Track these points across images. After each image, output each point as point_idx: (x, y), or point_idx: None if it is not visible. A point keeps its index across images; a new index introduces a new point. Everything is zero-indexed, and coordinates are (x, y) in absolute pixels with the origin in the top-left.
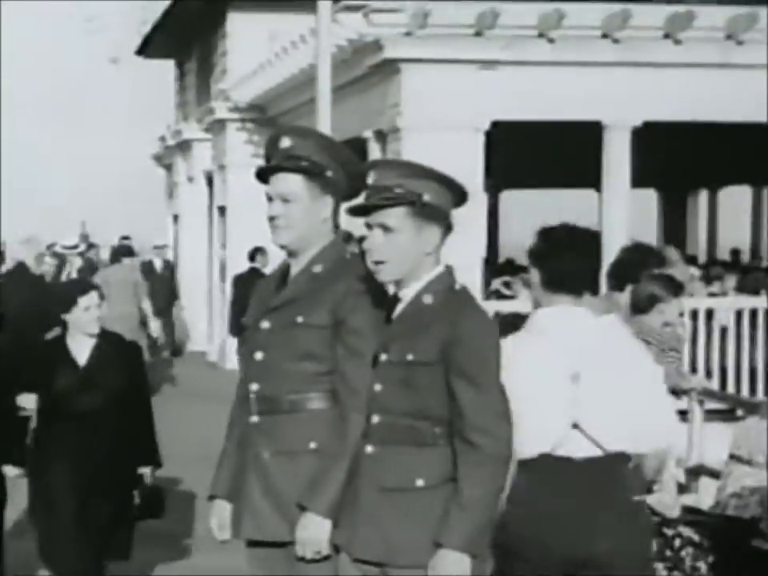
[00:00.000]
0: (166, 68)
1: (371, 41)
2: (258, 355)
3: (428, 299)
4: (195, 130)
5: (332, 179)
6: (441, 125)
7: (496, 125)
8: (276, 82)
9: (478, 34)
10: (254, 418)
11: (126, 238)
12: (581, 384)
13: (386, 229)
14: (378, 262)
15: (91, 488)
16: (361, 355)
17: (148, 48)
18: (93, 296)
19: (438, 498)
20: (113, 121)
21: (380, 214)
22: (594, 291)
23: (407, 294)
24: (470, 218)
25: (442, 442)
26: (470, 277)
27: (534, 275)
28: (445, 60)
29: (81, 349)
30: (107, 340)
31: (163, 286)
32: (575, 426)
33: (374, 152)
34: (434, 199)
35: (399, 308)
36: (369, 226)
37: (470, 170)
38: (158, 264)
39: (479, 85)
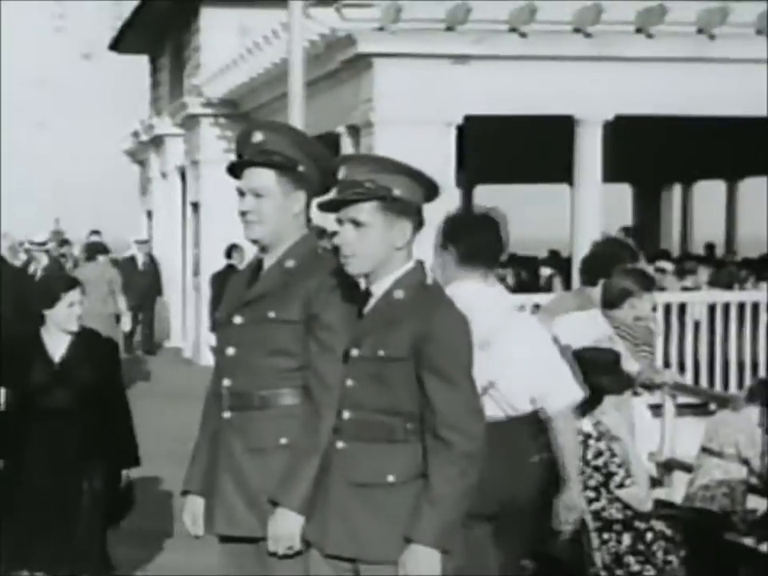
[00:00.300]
0: (139, 63)
1: (344, 36)
2: (230, 351)
3: (399, 294)
4: (168, 125)
5: (304, 174)
6: (413, 119)
7: (468, 119)
8: (249, 77)
9: (450, 28)
10: (226, 414)
11: (95, 232)
12: (490, 352)
13: (356, 224)
14: (347, 256)
15: (67, 489)
16: (333, 351)
17: (121, 43)
18: (76, 292)
19: (408, 494)
20: (86, 116)
21: (351, 209)
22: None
23: (378, 289)
24: (443, 213)
25: (413, 438)
26: None
27: (447, 254)
28: (417, 55)
29: (57, 345)
30: (84, 337)
31: (146, 282)
32: (485, 391)
33: (347, 147)
34: (405, 194)
35: (371, 303)
36: (339, 221)
37: (442, 164)
38: (141, 259)
39: (451, 79)
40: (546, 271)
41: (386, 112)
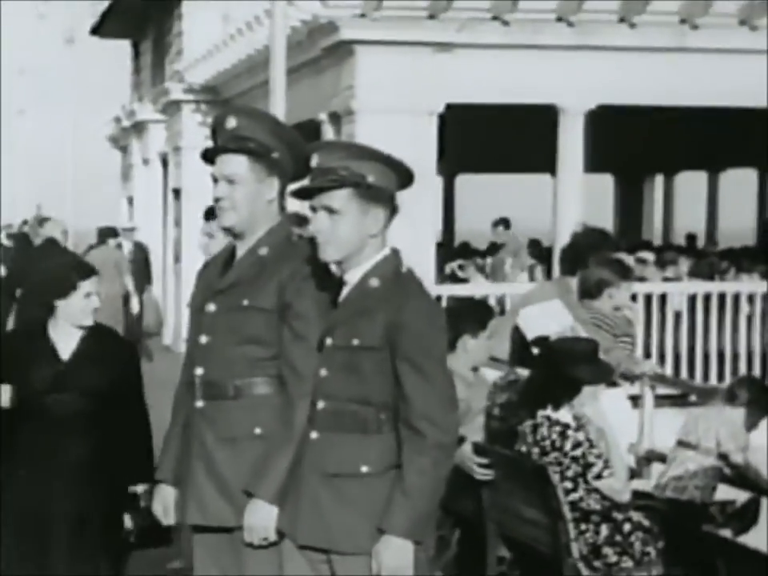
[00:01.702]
0: (121, 49)
1: (326, 22)
2: (203, 339)
3: (374, 283)
4: (150, 111)
5: (278, 161)
6: (395, 108)
7: (450, 108)
8: (231, 64)
9: (432, 16)
10: (199, 404)
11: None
12: None
13: (330, 211)
14: (322, 244)
15: (70, 508)
16: (306, 340)
17: (103, 28)
18: (93, 282)
19: (382, 485)
20: (67, 102)
21: (324, 196)
22: None
23: (353, 278)
24: (424, 202)
25: (386, 428)
26: (424, 260)
27: None
28: (399, 42)
29: (66, 340)
30: (97, 333)
31: (135, 270)
32: None
33: (328, 135)
34: (379, 181)
35: (345, 292)
36: (313, 209)
37: (424, 153)
38: (128, 247)
39: (434, 68)
40: (527, 261)
41: (368, 100)
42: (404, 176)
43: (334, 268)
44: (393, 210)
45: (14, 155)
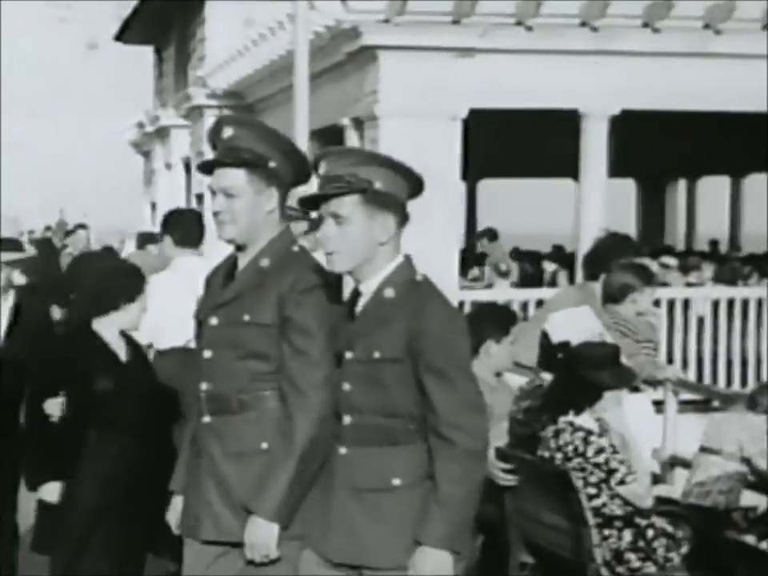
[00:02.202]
0: (144, 54)
1: (349, 27)
2: (207, 353)
3: (390, 293)
4: (173, 116)
5: (275, 170)
6: (418, 113)
7: (473, 113)
8: (253, 69)
9: (455, 21)
10: (206, 418)
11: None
12: None
13: (337, 218)
14: (330, 253)
15: (128, 517)
16: (307, 354)
17: (126, 34)
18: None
19: (414, 497)
20: (90, 107)
21: (331, 204)
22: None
23: (368, 288)
24: (447, 207)
25: (416, 439)
26: (447, 266)
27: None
28: (422, 47)
29: (117, 345)
30: (131, 339)
31: None
32: None
33: (352, 140)
34: (387, 187)
35: (361, 303)
36: (321, 217)
37: (447, 158)
38: (154, 252)
39: (457, 72)
40: (550, 266)
41: (391, 105)
42: (414, 183)
43: (341, 278)
44: (403, 217)
45: (36, 158)
